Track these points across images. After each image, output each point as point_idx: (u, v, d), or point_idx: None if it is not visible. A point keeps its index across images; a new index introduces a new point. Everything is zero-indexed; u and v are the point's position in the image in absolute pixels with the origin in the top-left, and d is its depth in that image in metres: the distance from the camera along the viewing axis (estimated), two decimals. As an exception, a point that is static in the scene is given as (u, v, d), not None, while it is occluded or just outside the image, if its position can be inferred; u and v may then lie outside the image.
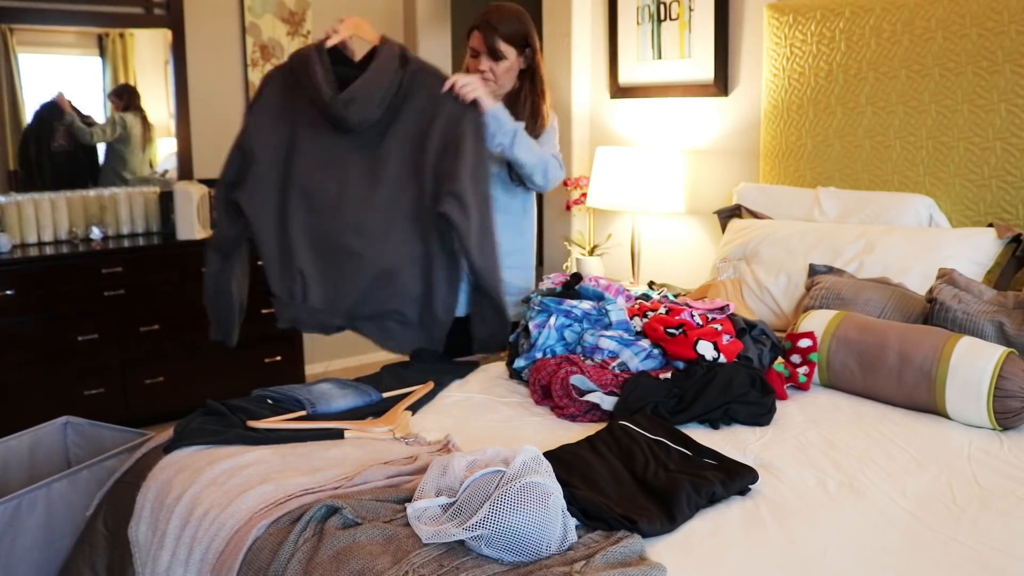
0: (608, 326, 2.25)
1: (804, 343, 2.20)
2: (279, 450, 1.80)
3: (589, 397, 1.99)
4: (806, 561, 1.36)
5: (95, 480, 2.18)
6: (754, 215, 3.11)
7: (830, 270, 2.63)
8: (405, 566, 1.31)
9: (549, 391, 2.07)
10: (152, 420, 3.71)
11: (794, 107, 3.17)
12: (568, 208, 3.90)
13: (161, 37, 4.18)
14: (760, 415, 1.96)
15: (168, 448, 1.85)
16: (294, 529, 1.44)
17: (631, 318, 2.29)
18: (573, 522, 1.41)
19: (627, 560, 1.33)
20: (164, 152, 4.31)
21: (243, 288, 2.56)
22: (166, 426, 2.01)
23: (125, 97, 4.16)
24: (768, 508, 1.54)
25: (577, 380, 2.02)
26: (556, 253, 4.11)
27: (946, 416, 1.99)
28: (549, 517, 1.35)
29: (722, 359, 2.11)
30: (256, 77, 4.41)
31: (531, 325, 2.29)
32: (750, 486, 1.60)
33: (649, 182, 3.44)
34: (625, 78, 3.85)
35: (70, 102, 3.99)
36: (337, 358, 4.83)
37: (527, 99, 2.56)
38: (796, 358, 2.21)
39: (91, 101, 4.09)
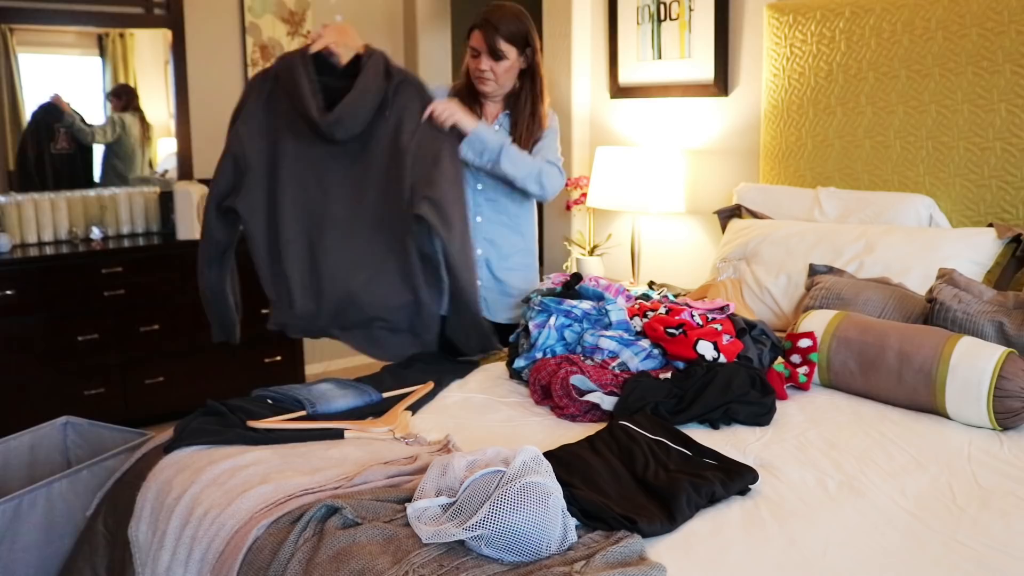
0: (608, 326, 2.25)
1: (804, 343, 2.20)
2: (279, 450, 1.80)
3: (589, 397, 1.99)
4: (806, 561, 1.36)
5: (95, 480, 2.17)
6: (754, 215, 3.11)
7: (830, 270, 2.63)
8: (405, 566, 1.31)
9: (549, 391, 2.07)
10: (152, 420, 3.71)
11: (794, 107, 3.17)
12: (568, 208, 3.90)
13: (161, 37, 4.18)
14: (760, 415, 1.96)
15: (168, 448, 1.85)
16: (294, 529, 1.44)
17: (631, 318, 2.29)
18: (573, 522, 1.41)
19: (627, 560, 1.33)
20: (164, 152, 4.31)
21: (236, 285, 2.58)
22: (166, 426, 2.01)
23: (124, 97, 4.16)
24: (768, 508, 1.54)
25: (577, 380, 2.02)
26: (556, 253, 4.11)
27: (946, 416, 1.99)
28: (549, 517, 1.35)
29: (722, 359, 2.11)
30: (256, 77, 4.41)
31: (531, 325, 2.29)
32: (750, 486, 1.60)
33: (649, 182, 3.44)
34: (625, 78, 3.85)
35: (69, 104, 3.99)
36: (337, 358, 4.82)
37: (527, 100, 2.55)
38: (796, 358, 2.21)
39: (91, 101, 4.09)
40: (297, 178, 2.36)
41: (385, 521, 1.45)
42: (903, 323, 2.23)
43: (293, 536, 1.43)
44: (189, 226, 3.95)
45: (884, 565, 1.35)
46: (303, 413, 2.00)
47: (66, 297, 3.64)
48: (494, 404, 2.12)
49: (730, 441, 1.85)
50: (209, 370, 3.96)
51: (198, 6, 4.24)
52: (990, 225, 2.63)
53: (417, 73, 4.77)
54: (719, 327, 2.18)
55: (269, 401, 2.07)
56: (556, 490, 1.40)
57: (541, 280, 2.57)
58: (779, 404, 2.05)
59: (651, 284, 3.10)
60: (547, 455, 1.58)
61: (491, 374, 2.35)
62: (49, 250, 3.74)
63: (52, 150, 3.97)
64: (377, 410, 2.06)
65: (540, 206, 3.24)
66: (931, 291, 2.27)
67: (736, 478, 1.59)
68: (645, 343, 2.20)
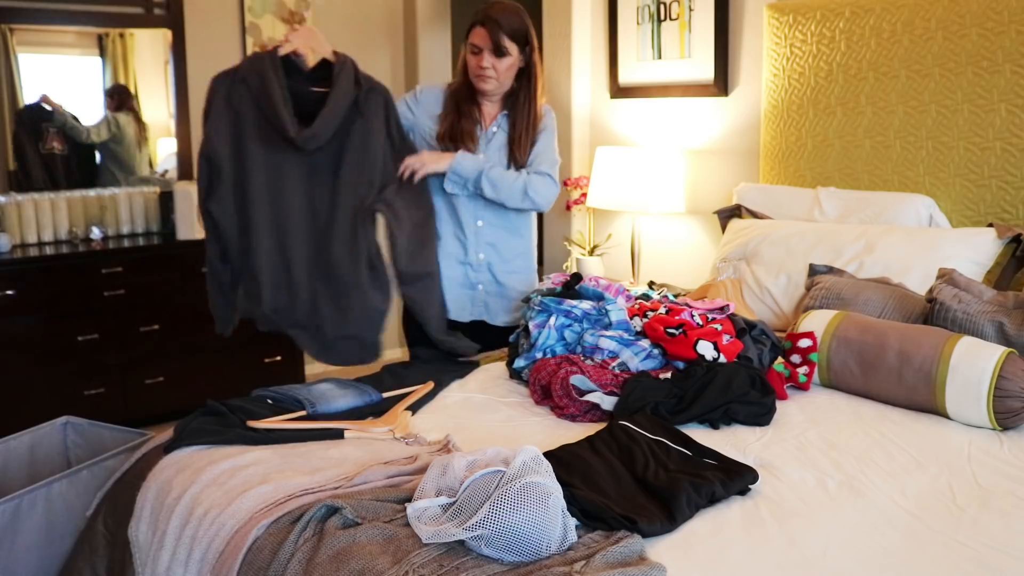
0: (608, 326, 2.25)
1: (804, 343, 2.20)
2: (279, 450, 1.80)
3: (589, 397, 1.99)
4: (806, 561, 1.36)
5: (95, 480, 2.17)
6: (754, 215, 3.11)
7: (830, 270, 2.63)
8: (405, 566, 1.31)
9: (549, 391, 2.07)
10: (152, 420, 3.71)
11: (794, 107, 3.17)
12: (568, 208, 3.90)
13: (161, 37, 4.18)
14: (760, 415, 1.96)
15: (168, 448, 1.85)
16: (294, 529, 1.44)
17: (631, 318, 2.29)
18: (573, 522, 1.41)
19: (627, 560, 1.33)
20: (164, 152, 4.30)
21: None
22: (166, 426, 2.01)
23: (116, 97, 4.16)
24: (768, 508, 1.54)
25: (577, 380, 2.02)
26: (556, 253, 4.11)
27: (946, 416, 1.99)
28: (549, 517, 1.35)
29: (722, 359, 2.11)
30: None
31: (531, 325, 2.29)
32: (750, 486, 1.60)
33: (649, 182, 3.44)
34: (625, 78, 3.85)
35: (61, 104, 3.98)
36: (337, 358, 4.82)
37: (525, 100, 2.55)
38: (796, 358, 2.21)
39: (91, 101, 4.09)
40: (266, 180, 2.37)
41: (385, 521, 1.45)
42: (903, 323, 2.23)
43: (293, 536, 1.43)
44: (189, 226, 3.95)
45: (884, 565, 1.35)
46: (303, 413, 2.00)
47: (66, 297, 3.64)
48: (494, 404, 2.12)
49: (730, 441, 1.85)
50: (209, 370, 3.96)
51: (198, 6, 4.24)
52: (990, 225, 2.63)
53: (417, 73, 4.78)
54: (719, 327, 2.18)
55: (269, 401, 2.07)
56: (556, 490, 1.40)
57: (540, 280, 2.57)
58: (779, 404, 2.05)
59: (651, 284, 3.10)
60: (547, 455, 1.58)
61: (491, 374, 2.36)
62: (49, 250, 3.74)
63: (42, 150, 3.96)
64: (377, 410, 2.06)
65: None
66: (931, 291, 2.27)
67: (736, 478, 1.59)
68: (645, 343, 2.20)
